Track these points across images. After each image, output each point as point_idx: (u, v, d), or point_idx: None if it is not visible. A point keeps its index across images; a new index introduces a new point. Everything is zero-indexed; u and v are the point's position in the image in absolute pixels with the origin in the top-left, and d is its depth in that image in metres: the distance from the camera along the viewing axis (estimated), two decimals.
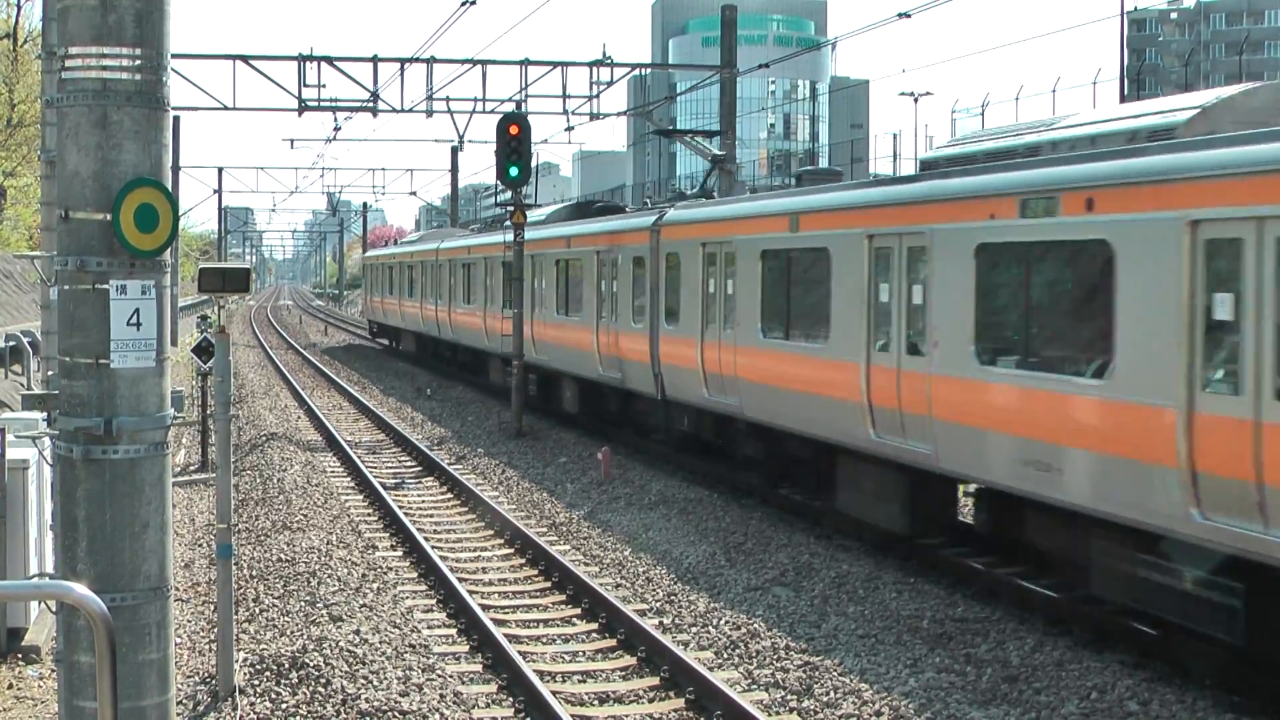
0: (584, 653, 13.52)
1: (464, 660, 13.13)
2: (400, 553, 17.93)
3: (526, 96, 36.54)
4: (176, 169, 57.95)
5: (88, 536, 7.28)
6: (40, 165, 17.53)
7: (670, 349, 22.92)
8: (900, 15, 27.78)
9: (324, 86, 35.53)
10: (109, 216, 7.15)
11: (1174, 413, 11.42)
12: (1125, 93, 54.17)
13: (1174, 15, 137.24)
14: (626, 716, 11.64)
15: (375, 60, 36.01)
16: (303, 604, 14.69)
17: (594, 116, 37.87)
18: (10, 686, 12.04)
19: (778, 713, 11.51)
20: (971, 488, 16.59)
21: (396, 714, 11.17)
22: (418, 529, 18.83)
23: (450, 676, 12.37)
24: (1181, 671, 12.00)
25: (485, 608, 14.67)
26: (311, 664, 12.22)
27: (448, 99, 38.03)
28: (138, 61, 7.20)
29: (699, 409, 22.32)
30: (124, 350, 7.24)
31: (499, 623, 14.13)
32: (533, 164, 30.06)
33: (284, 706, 11.38)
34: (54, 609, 8.09)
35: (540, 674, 12.32)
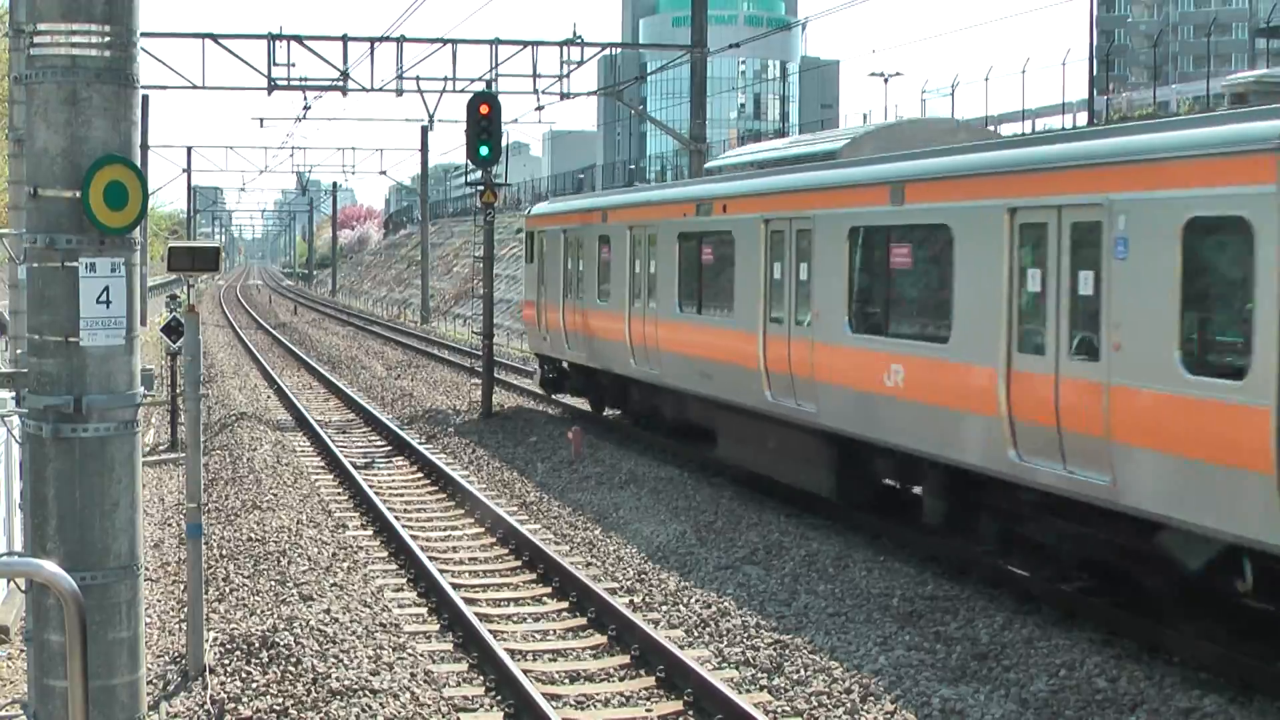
0: (555, 631, 13.54)
1: (435, 639, 13.14)
2: (370, 532, 17.91)
3: (497, 76, 36.50)
4: (145, 148, 57.59)
5: (57, 515, 7.26)
6: (8, 144, 17.35)
7: None
8: None
9: (294, 65, 35.59)
10: (78, 194, 7.12)
11: None
12: (1094, 73, 54.31)
13: None
14: (598, 695, 11.66)
15: (345, 39, 35.89)
16: (273, 583, 14.67)
17: (564, 96, 37.86)
18: None
19: (748, 690, 11.56)
20: None
21: (367, 693, 11.16)
22: (388, 508, 18.81)
23: (421, 655, 12.38)
24: (1149, 649, 12.09)
25: (456, 586, 14.68)
26: (282, 643, 12.20)
27: (418, 78, 37.97)
28: (107, 38, 7.17)
29: None
30: (93, 328, 7.22)
31: (470, 602, 14.14)
32: (503, 143, 29.99)
33: (254, 685, 11.36)
34: (24, 587, 8.06)
35: (511, 653, 12.34)
